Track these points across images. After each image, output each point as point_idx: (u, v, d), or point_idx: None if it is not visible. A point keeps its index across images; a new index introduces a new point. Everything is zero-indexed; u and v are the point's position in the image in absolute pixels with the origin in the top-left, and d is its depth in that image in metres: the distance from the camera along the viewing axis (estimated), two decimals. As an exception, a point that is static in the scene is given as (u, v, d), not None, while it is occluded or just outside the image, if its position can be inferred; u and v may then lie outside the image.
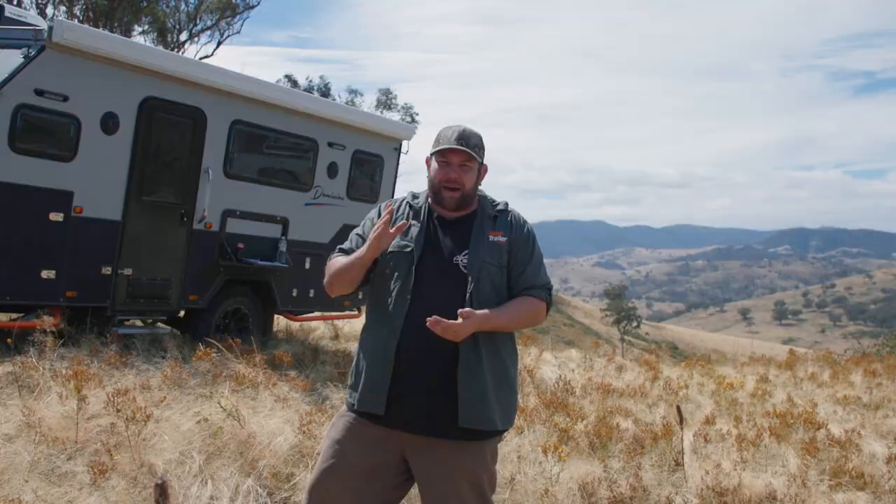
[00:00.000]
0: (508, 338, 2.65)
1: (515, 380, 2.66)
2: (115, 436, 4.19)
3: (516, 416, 5.19)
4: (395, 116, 36.85)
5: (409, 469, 2.57)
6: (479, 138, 2.64)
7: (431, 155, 2.65)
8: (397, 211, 2.69)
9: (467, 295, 2.51)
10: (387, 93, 40.41)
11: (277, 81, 27.21)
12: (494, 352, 2.56)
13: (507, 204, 2.71)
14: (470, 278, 2.53)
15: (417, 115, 40.41)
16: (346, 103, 34.78)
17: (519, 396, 2.72)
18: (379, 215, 2.68)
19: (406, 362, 2.49)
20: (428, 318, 2.41)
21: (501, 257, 2.59)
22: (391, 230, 2.51)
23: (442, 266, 2.55)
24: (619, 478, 4.44)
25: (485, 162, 2.67)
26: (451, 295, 2.51)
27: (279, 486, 4.00)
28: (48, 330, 5.74)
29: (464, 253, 2.56)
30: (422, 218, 2.63)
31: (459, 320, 2.41)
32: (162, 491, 1.78)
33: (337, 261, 2.66)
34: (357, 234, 2.72)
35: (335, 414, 2.70)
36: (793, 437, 5.60)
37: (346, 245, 2.72)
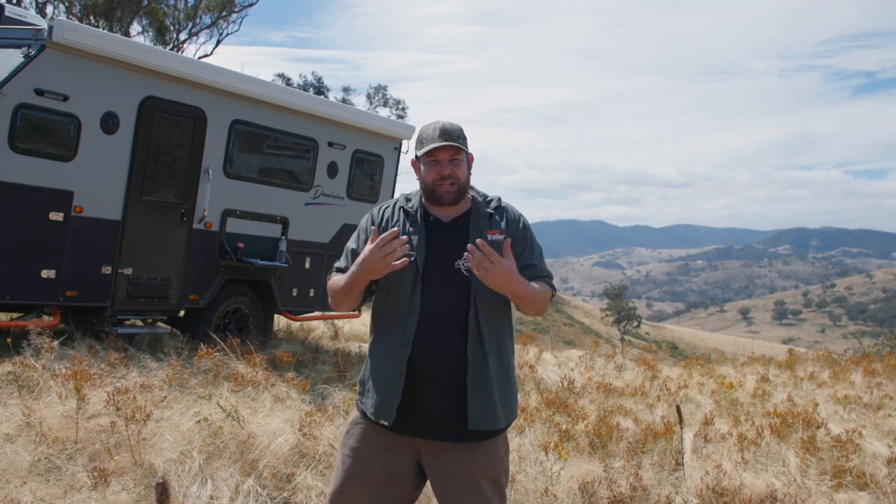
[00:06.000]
0: (509, 336, 2.66)
1: (514, 375, 2.67)
2: (115, 435, 4.19)
3: (517, 416, 5.20)
4: (384, 113, 36.72)
5: (421, 468, 2.58)
6: (460, 129, 2.61)
7: (418, 157, 2.61)
8: (392, 217, 2.64)
9: (471, 298, 2.50)
10: (379, 89, 40.13)
11: (272, 81, 27.22)
12: (500, 352, 2.56)
13: (499, 200, 2.68)
14: (472, 282, 2.51)
15: (407, 109, 40.11)
16: (342, 101, 34.73)
17: (518, 389, 2.74)
18: (370, 225, 2.63)
19: (417, 371, 2.48)
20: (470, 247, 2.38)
21: (502, 256, 2.59)
22: (395, 263, 2.42)
23: (444, 271, 2.53)
24: (619, 477, 4.43)
25: (470, 151, 2.64)
26: (456, 300, 2.51)
27: (279, 486, 4.00)
28: (48, 330, 5.74)
29: (465, 256, 2.55)
30: (419, 223, 2.60)
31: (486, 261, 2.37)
32: (163, 490, 1.77)
33: (335, 282, 2.63)
34: (351, 249, 2.67)
35: (348, 421, 2.69)
36: (793, 436, 5.60)
37: (341, 263, 2.68)
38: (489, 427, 2.50)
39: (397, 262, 2.42)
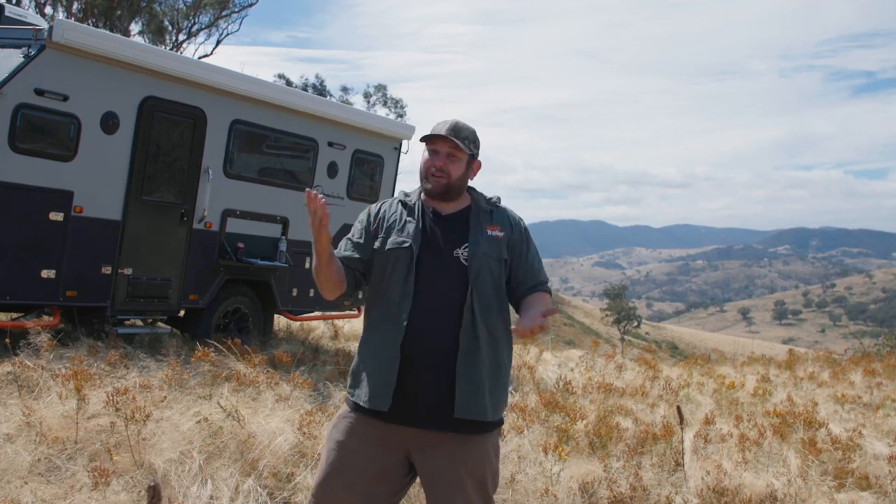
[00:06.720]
0: (504, 328, 2.64)
1: (509, 372, 2.68)
2: (115, 435, 4.19)
3: (517, 416, 5.18)
4: (382, 112, 36.74)
5: (412, 466, 2.58)
6: (472, 133, 2.65)
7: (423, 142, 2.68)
8: (390, 209, 2.69)
9: (468, 288, 2.53)
10: (379, 89, 40.06)
11: (273, 81, 27.18)
12: (493, 344, 2.57)
13: (499, 199, 2.73)
14: (470, 271, 2.54)
15: (405, 108, 40.05)
16: (342, 101, 34.71)
17: (511, 388, 2.75)
18: (367, 218, 2.70)
19: (410, 358, 2.49)
20: (518, 328, 2.43)
21: (501, 251, 2.62)
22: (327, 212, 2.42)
23: (441, 260, 2.56)
24: (619, 477, 4.43)
25: (479, 159, 2.69)
26: (452, 289, 2.54)
27: (279, 486, 4.00)
28: (47, 330, 5.73)
29: (464, 246, 2.57)
30: (416, 214, 2.64)
31: (539, 320, 2.42)
32: (155, 493, 1.77)
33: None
34: (348, 239, 2.71)
35: (336, 415, 2.69)
36: (793, 436, 5.60)
37: (338, 252, 2.70)
38: (475, 416, 2.50)
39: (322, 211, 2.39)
